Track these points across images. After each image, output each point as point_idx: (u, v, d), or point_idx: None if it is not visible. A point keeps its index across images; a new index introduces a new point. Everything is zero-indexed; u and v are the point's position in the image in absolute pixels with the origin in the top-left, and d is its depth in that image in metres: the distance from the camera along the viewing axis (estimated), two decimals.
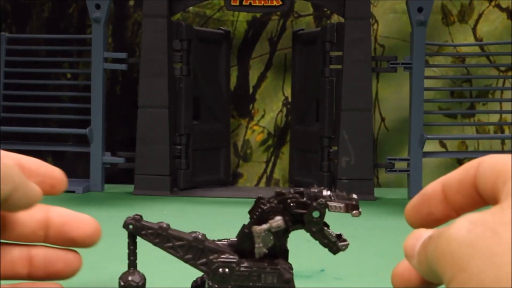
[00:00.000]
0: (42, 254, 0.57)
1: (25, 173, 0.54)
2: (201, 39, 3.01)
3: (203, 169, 3.00)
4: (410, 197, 2.80)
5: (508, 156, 0.47)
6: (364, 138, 2.82)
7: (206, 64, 3.05)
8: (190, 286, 1.15)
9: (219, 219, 2.26)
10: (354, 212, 1.03)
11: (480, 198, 0.52)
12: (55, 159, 3.22)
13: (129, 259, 1.09)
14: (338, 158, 2.82)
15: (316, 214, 1.00)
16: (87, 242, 0.58)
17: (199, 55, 2.99)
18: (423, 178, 2.84)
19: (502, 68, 3.18)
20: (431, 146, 3.08)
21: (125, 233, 1.07)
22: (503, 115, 3.14)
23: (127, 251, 1.09)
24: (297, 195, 1.03)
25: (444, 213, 0.58)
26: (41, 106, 3.06)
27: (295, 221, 1.03)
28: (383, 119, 3.21)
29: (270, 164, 3.24)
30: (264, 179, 3.24)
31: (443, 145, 3.20)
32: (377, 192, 2.85)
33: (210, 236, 1.14)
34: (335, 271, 1.54)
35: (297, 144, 3.12)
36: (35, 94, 3.06)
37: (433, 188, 0.56)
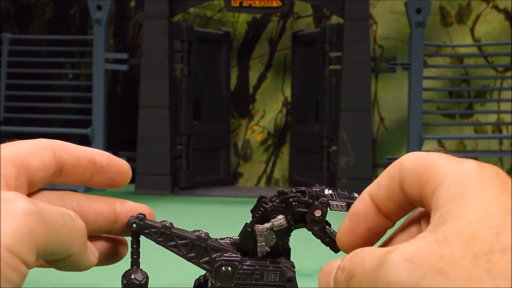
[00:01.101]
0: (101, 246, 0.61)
1: (96, 170, 0.55)
2: (201, 40, 3.03)
3: (203, 169, 3.02)
4: None
5: (427, 155, 0.44)
6: (363, 138, 2.84)
7: (207, 65, 3.07)
8: (193, 284, 1.17)
9: (220, 219, 2.28)
10: None
11: (410, 202, 0.48)
12: None
13: (132, 257, 1.11)
14: (337, 158, 2.84)
15: (318, 213, 1.02)
16: None
17: (199, 56, 3.01)
18: None
19: (500, 69, 3.20)
20: (429, 146, 3.11)
21: (127, 232, 1.09)
22: (501, 115, 3.16)
23: (130, 249, 1.11)
24: (299, 194, 1.06)
25: (381, 225, 0.55)
26: (43, 107, 3.08)
27: (297, 220, 1.05)
28: (382, 119, 3.23)
29: (270, 164, 3.26)
30: (264, 179, 3.26)
31: (441, 145, 3.23)
32: None
33: (211, 235, 1.16)
34: None
35: (297, 144, 3.14)
36: (37, 95, 3.08)
37: (362, 203, 0.53)
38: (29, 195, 0.51)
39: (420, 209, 0.46)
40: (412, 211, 0.51)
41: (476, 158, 3.26)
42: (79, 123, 3.01)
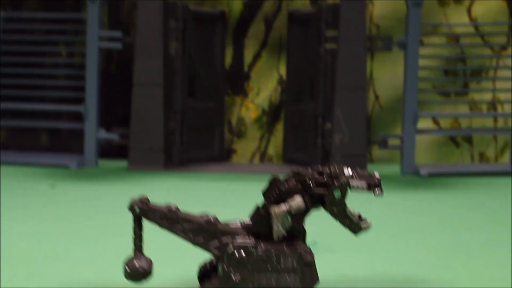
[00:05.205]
0: None
1: None
2: (196, 18, 3.02)
3: (197, 145, 3.02)
4: (403, 172, 2.83)
5: None
6: (358, 115, 2.83)
7: (201, 43, 3.06)
8: (197, 271, 1.09)
9: (214, 194, 2.26)
10: (377, 191, 0.98)
11: None
12: (50, 135, 3.22)
13: (134, 243, 1.03)
14: (332, 136, 2.84)
15: (337, 194, 0.95)
16: None
17: (194, 35, 2.99)
18: (416, 155, 2.87)
19: (496, 48, 3.19)
20: (424, 123, 3.10)
21: (119, 206, 1.04)
22: (496, 93, 3.16)
23: (127, 229, 1.02)
24: (316, 174, 0.98)
25: None
26: (37, 84, 3.06)
27: (315, 201, 0.98)
28: (377, 97, 3.22)
29: (264, 141, 3.25)
30: (258, 156, 3.25)
31: (436, 122, 3.22)
32: (370, 168, 2.87)
33: (204, 211, 1.10)
34: (327, 244, 1.54)
35: (291, 121, 3.13)
36: (30, 72, 3.06)
37: None
38: None
39: None
40: None
41: (470, 136, 3.25)
42: (72, 100, 3.00)
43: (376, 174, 0.97)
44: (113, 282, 1.13)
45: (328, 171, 0.94)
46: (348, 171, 0.97)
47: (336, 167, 0.96)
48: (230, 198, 2.12)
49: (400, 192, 2.37)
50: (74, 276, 1.20)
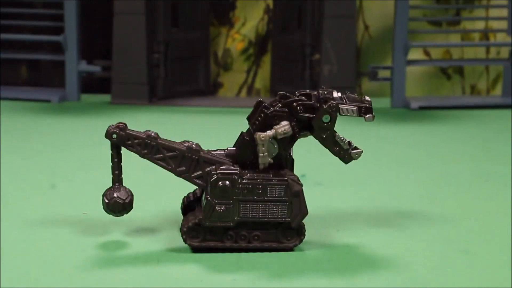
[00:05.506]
0: None
1: None
2: None
3: (182, 78, 2.95)
4: (393, 105, 2.78)
5: None
6: (347, 46, 2.77)
7: None
8: (181, 203, 1.06)
9: (200, 129, 2.23)
10: (367, 115, 0.93)
11: None
12: (30, 69, 3.13)
13: (113, 173, 0.97)
14: (320, 67, 2.79)
15: (326, 118, 0.90)
16: None
17: None
18: (406, 87, 2.82)
19: None
20: (415, 54, 3.04)
21: (101, 141, 0.99)
22: (489, 22, 3.09)
23: (109, 163, 0.98)
24: (303, 97, 0.93)
25: None
26: (13, 12, 2.94)
27: (303, 127, 0.93)
28: (366, 28, 3.13)
29: (251, 73, 3.18)
30: (245, 89, 3.19)
31: (427, 53, 3.15)
32: None
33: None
34: (316, 177, 1.52)
35: (279, 53, 3.06)
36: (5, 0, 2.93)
37: None
38: None
39: None
40: None
41: (462, 68, 3.20)
42: (51, 30, 2.89)
43: (367, 98, 0.91)
44: (94, 216, 1.10)
45: (316, 95, 0.89)
46: (337, 95, 0.92)
47: (325, 91, 0.90)
48: (216, 132, 2.09)
49: (390, 125, 2.34)
50: (55, 210, 1.19)
